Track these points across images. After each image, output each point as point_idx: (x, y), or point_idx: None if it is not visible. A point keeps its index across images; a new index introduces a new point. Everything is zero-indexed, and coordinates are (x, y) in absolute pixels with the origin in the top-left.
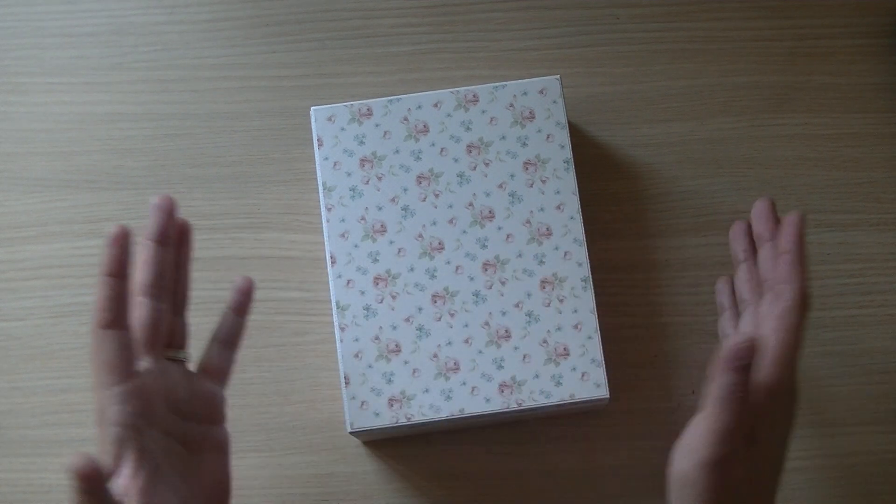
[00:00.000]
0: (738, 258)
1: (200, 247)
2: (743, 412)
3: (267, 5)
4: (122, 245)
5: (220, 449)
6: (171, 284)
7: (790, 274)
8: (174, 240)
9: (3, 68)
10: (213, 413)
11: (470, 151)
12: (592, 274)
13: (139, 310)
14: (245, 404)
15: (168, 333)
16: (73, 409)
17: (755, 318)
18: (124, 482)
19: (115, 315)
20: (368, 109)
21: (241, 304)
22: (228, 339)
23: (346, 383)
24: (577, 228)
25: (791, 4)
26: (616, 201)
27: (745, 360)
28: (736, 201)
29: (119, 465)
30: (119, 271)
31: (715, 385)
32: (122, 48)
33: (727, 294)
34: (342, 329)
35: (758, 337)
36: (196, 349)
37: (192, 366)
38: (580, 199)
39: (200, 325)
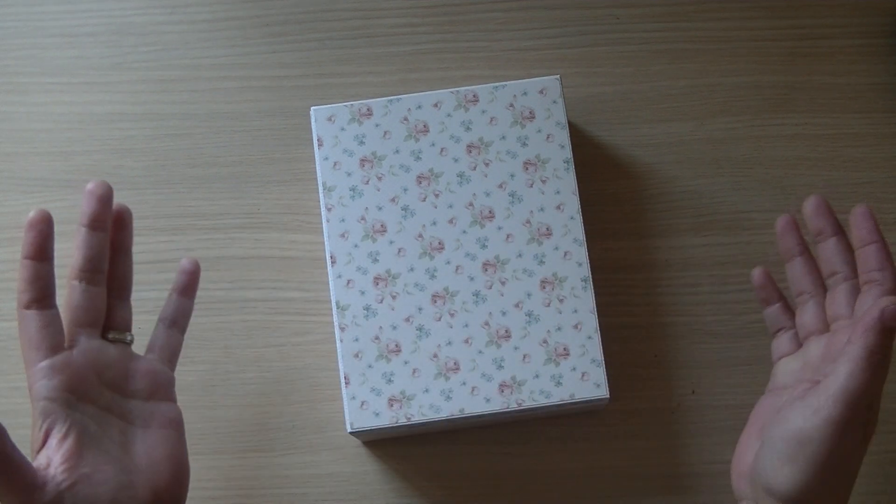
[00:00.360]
0: (792, 252)
1: (200, 247)
2: (880, 377)
3: (267, 5)
4: (40, 229)
5: (170, 425)
6: (108, 268)
7: (881, 261)
8: (109, 225)
9: (3, 68)
10: (157, 390)
11: (470, 151)
12: (592, 274)
13: (70, 292)
14: (245, 404)
15: (109, 316)
16: None
17: (820, 310)
18: (49, 452)
19: (35, 295)
20: (368, 109)
21: (186, 286)
22: (174, 319)
23: (346, 383)
24: (577, 228)
25: (791, 4)
26: (616, 201)
27: (893, 322)
28: (736, 201)
29: (45, 439)
30: (37, 254)
31: (854, 346)
32: (122, 48)
33: (777, 314)
34: (342, 329)
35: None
36: (196, 349)
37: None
38: (580, 200)
39: (200, 325)
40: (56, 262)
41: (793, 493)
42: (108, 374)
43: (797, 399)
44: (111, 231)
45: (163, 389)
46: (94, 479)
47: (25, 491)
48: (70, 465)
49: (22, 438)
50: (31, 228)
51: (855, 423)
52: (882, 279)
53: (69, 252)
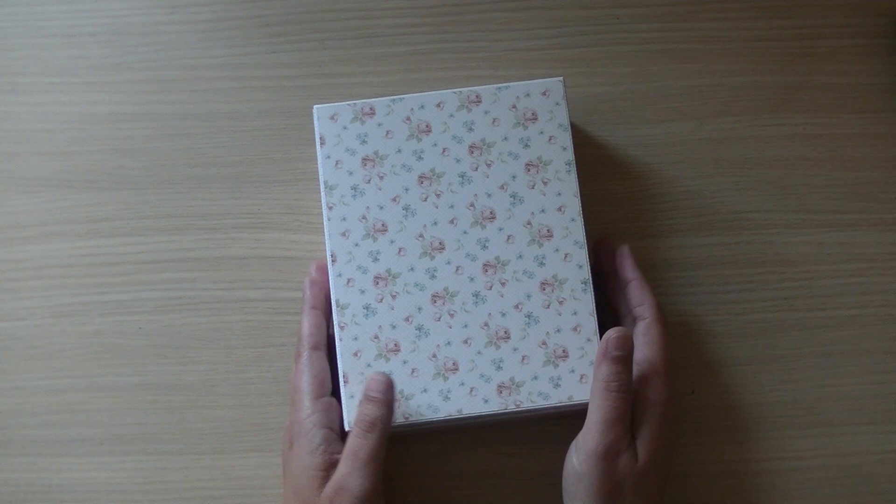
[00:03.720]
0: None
1: (200, 247)
2: (623, 402)
3: (267, 5)
4: (322, 285)
5: None
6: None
7: (641, 296)
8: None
9: (3, 68)
10: None
11: (472, 152)
12: (593, 276)
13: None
14: (245, 404)
15: None
16: (73, 409)
17: None
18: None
19: (323, 340)
20: (371, 108)
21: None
22: None
23: (344, 382)
24: (578, 231)
25: (791, 4)
26: (616, 201)
27: (621, 350)
28: (736, 201)
29: (332, 462)
30: (322, 305)
31: (594, 378)
32: (122, 48)
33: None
34: (341, 328)
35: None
36: (196, 349)
37: None
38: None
39: (200, 325)
40: (58, 262)
41: None
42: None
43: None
44: None
45: None
46: None
47: None
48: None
49: (21, 438)
50: (314, 285)
51: (615, 449)
52: (642, 312)
53: (70, 252)
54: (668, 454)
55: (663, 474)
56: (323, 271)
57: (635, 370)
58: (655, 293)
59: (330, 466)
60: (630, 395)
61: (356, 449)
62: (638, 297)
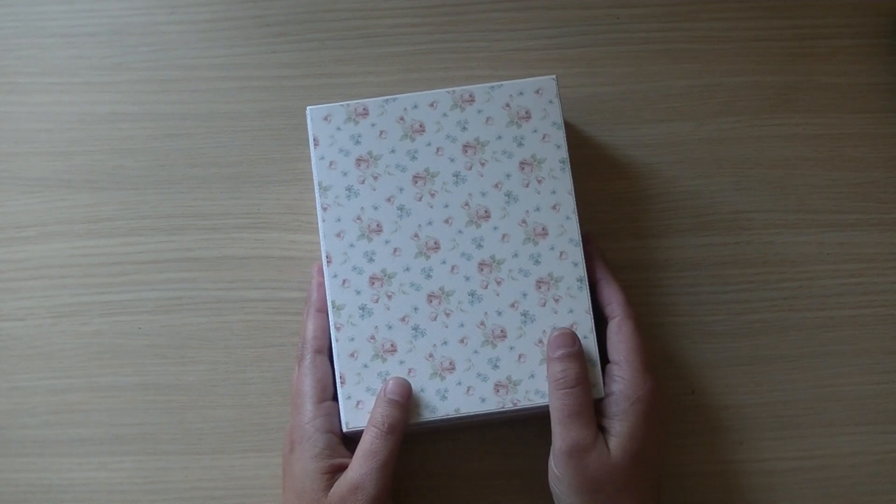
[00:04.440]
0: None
1: (200, 247)
2: (574, 397)
3: (267, 5)
4: (324, 288)
5: None
6: None
7: (608, 295)
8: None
9: (3, 68)
10: None
11: (466, 151)
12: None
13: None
14: (245, 404)
15: None
16: (73, 409)
17: None
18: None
19: (326, 343)
20: (364, 109)
21: None
22: None
23: (341, 383)
24: (573, 228)
25: (791, 4)
26: (616, 201)
27: (562, 348)
28: (736, 201)
29: (336, 466)
30: (325, 307)
31: (547, 383)
32: (122, 48)
33: None
34: (338, 328)
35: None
36: (196, 349)
37: None
38: (580, 200)
39: (200, 325)
40: (58, 262)
41: None
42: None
43: None
44: None
45: None
46: None
47: None
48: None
49: (21, 438)
50: (321, 287)
51: (579, 445)
52: (611, 311)
53: (70, 252)
54: (656, 452)
55: (655, 473)
56: (321, 273)
57: (612, 369)
58: (624, 290)
59: (334, 470)
60: (582, 388)
61: (375, 450)
62: (606, 295)
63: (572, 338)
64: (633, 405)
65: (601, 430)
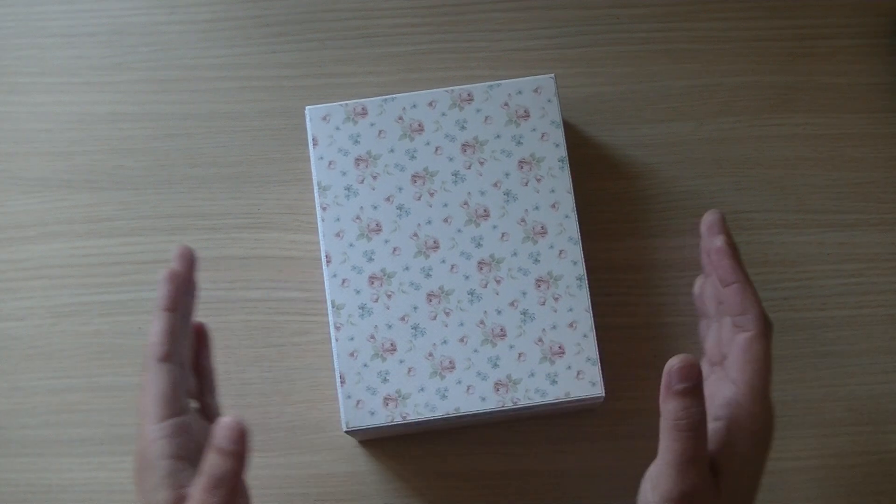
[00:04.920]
0: (705, 270)
1: (200, 247)
2: (695, 441)
3: (267, 5)
4: (178, 284)
5: None
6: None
7: (742, 304)
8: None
9: (3, 68)
10: None
11: (465, 150)
12: (592, 274)
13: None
14: (245, 404)
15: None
16: (73, 409)
17: (719, 340)
18: None
19: (173, 348)
20: (363, 109)
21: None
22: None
23: (341, 382)
24: (572, 227)
25: (791, 4)
26: (616, 201)
27: (687, 381)
28: (736, 201)
29: (181, 496)
30: (174, 306)
31: (662, 415)
32: (122, 48)
33: (705, 299)
34: (337, 328)
35: (694, 357)
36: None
37: None
38: (579, 199)
39: None
40: (58, 262)
41: None
42: (201, 445)
43: (650, 468)
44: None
45: None
46: None
47: None
48: None
49: (20, 438)
50: (170, 282)
51: (692, 492)
52: (744, 323)
53: (70, 252)
54: (756, 480)
55: (750, 499)
56: (185, 259)
57: (730, 391)
58: (758, 300)
59: (178, 501)
60: (703, 431)
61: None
62: (739, 304)
63: (697, 370)
64: (748, 438)
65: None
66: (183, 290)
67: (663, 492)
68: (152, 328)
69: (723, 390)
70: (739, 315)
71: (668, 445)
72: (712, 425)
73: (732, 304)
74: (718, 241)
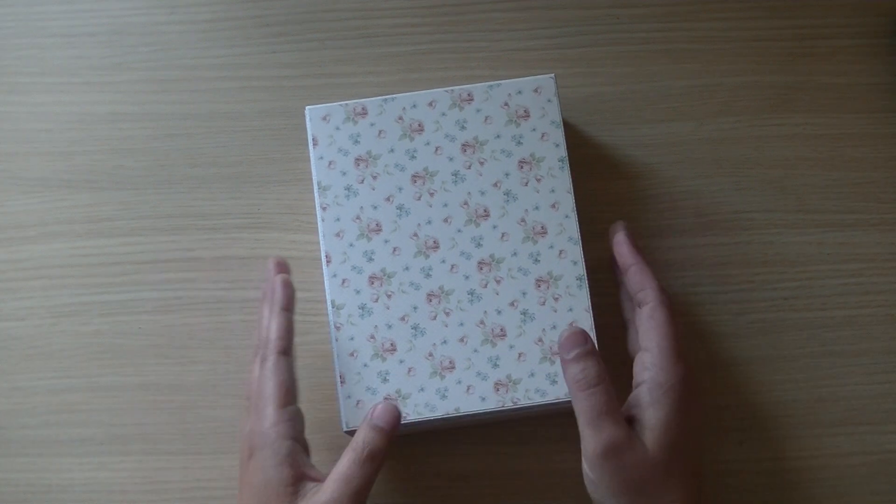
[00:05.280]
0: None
1: (200, 247)
2: (599, 396)
3: (267, 5)
4: (292, 288)
5: None
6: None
7: (641, 282)
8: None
9: (3, 68)
10: None
11: (465, 150)
12: (592, 274)
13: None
14: (246, 404)
15: None
16: (73, 409)
17: (636, 332)
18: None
19: (290, 344)
20: (363, 109)
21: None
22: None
23: (341, 382)
24: (572, 227)
25: (791, 4)
26: (616, 201)
27: (577, 347)
28: (736, 201)
29: (301, 474)
30: (292, 307)
31: (567, 388)
32: (122, 48)
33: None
34: (337, 328)
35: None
36: (196, 349)
37: None
38: (579, 199)
39: (201, 325)
40: (58, 262)
41: None
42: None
43: None
44: None
45: None
46: None
47: None
48: None
49: (21, 438)
50: (287, 286)
51: (613, 445)
52: (643, 297)
53: (70, 252)
54: (694, 440)
55: (694, 462)
56: (286, 267)
57: (643, 357)
58: (657, 276)
59: (297, 480)
60: (606, 385)
61: (350, 476)
62: (638, 281)
63: (583, 335)
64: (665, 393)
65: (633, 422)
66: (294, 293)
67: (587, 454)
68: (272, 325)
69: (640, 360)
70: (640, 292)
71: (578, 408)
72: (634, 391)
73: (633, 283)
74: (619, 235)
